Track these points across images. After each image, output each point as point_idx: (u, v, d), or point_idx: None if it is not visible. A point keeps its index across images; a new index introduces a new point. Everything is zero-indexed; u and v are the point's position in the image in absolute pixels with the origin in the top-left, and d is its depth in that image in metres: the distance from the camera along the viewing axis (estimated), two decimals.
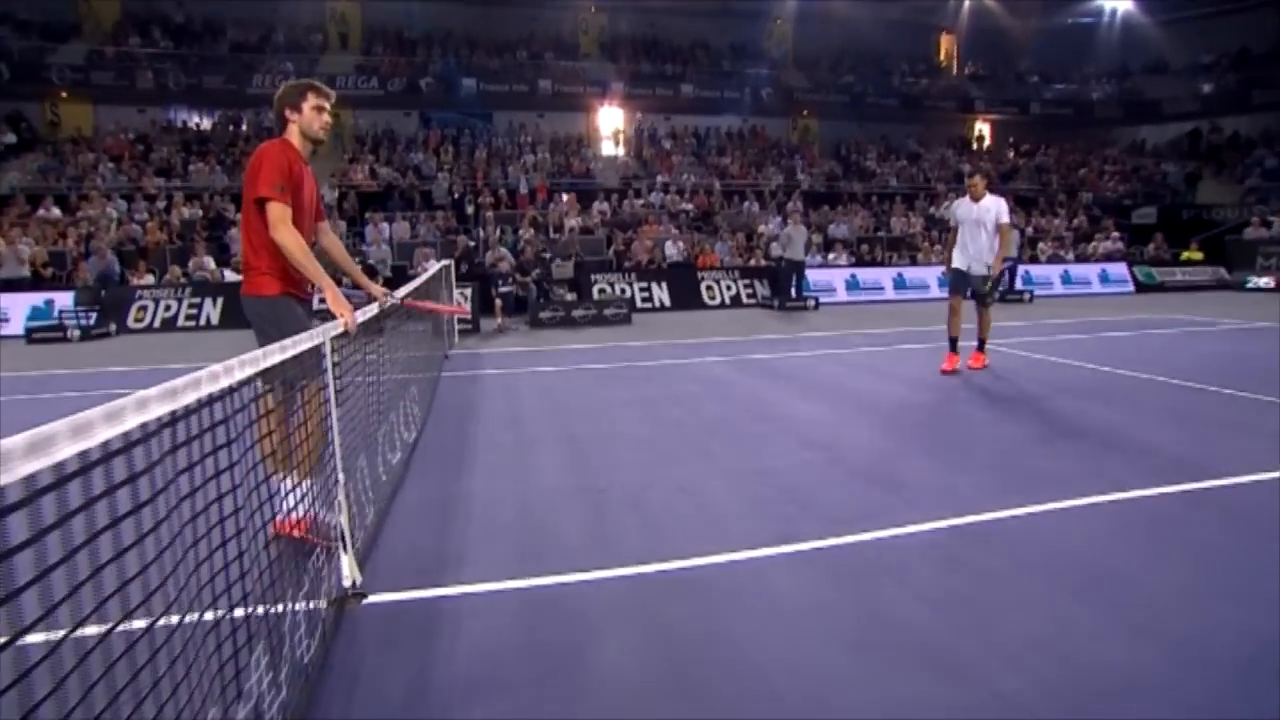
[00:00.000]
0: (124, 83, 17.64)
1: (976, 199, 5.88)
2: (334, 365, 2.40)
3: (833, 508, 3.13)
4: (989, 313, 6.12)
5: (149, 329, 10.61)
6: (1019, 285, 12.67)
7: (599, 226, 13.73)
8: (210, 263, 11.86)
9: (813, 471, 3.62)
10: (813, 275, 12.30)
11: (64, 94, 17.91)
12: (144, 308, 10.77)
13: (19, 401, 5.61)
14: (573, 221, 13.45)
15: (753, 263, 13.03)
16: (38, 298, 10.75)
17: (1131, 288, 14.02)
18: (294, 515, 2.31)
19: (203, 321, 10.79)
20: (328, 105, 2.88)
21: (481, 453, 4.04)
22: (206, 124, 18.59)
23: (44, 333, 9.73)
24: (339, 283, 2.84)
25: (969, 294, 6.05)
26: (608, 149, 19.52)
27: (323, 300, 2.82)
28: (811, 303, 11.54)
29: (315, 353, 2.21)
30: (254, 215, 2.68)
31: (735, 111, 20.35)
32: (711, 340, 8.29)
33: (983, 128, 23.15)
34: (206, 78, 17.41)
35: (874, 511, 3.05)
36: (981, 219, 5.85)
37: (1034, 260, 14.29)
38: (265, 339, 2.67)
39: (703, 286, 12.20)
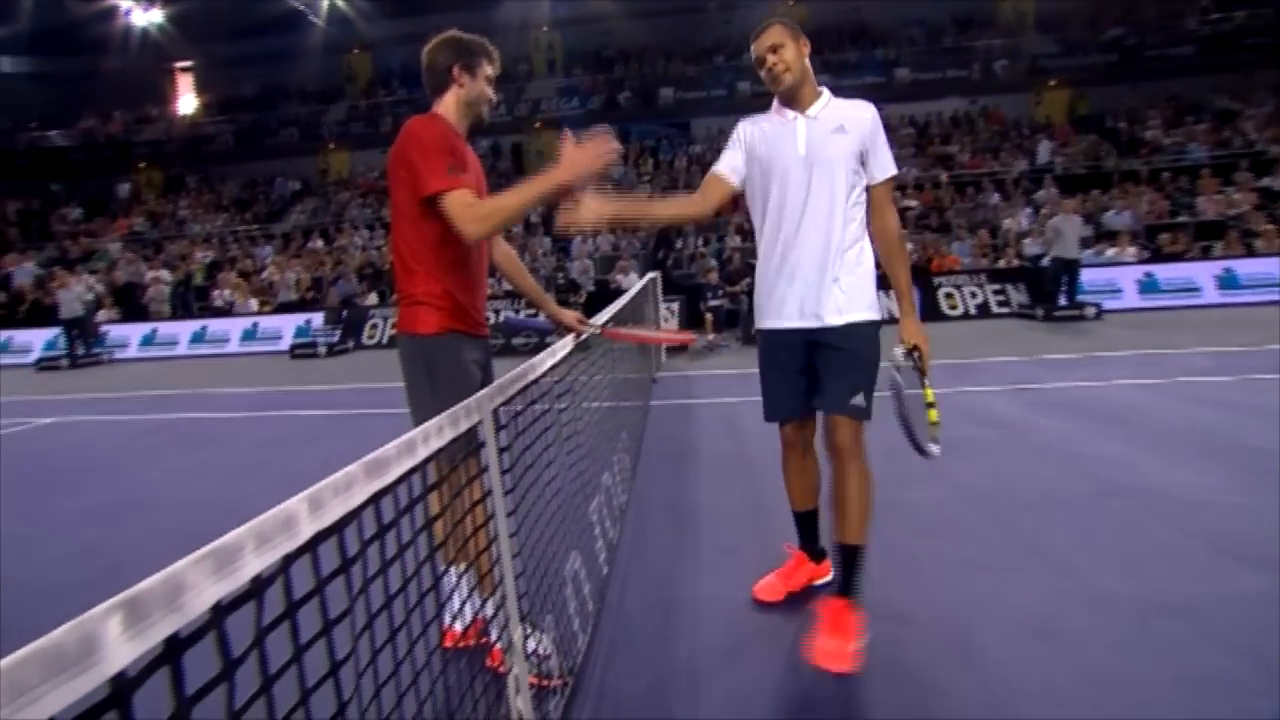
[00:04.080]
0: (372, 130, 20.23)
1: (798, 101, 2.04)
2: (500, 447, 1.51)
3: None
4: (857, 469, 2.02)
5: (379, 345, 11.48)
6: None
7: None
8: None
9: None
10: (1088, 276, 9.65)
11: (331, 145, 21.07)
12: (375, 325, 11.71)
13: (276, 417, 5.87)
14: None
15: (1001, 263, 10.67)
16: (301, 318, 12.23)
17: None
18: (462, 620, 1.71)
19: None
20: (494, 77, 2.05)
21: (709, 528, 3.01)
22: None
23: (301, 349, 10.94)
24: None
25: (813, 405, 2.14)
26: None
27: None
28: (1090, 310, 8.97)
29: (471, 432, 1.36)
30: (410, 224, 1.88)
31: (961, 92, 17.61)
32: (971, 362, 6.52)
33: None
34: None
35: None
36: (817, 160, 2.00)
37: None
38: (414, 390, 1.93)
39: (940, 294, 10.18)
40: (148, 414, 6.57)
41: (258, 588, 0.72)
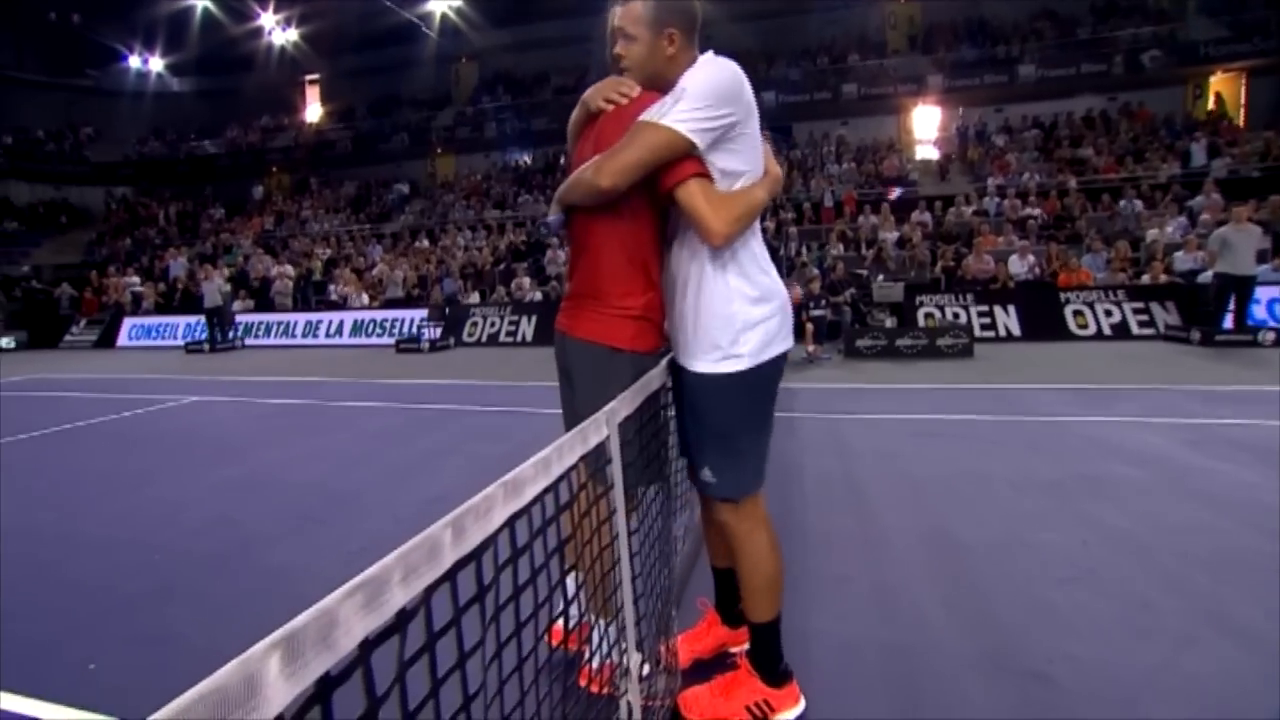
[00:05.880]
0: (476, 134, 21.17)
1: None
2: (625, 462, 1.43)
3: None
4: (742, 549, 1.73)
5: (478, 343, 11.92)
6: None
7: (920, 240, 11.57)
8: (527, 283, 12.97)
9: None
10: (1266, 295, 8.47)
11: (439, 150, 22.22)
12: (475, 324, 12.16)
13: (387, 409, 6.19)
14: (887, 234, 11.57)
15: (1145, 279, 9.60)
16: (406, 314, 12.90)
17: None
18: (572, 625, 1.67)
19: (519, 338, 11.73)
20: None
21: (817, 553, 2.81)
22: (532, 161, 21.36)
23: (406, 344, 11.53)
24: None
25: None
26: (924, 152, 17.00)
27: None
28: (1267, 335, 7.79)
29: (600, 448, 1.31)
30: (647, 218, 1.62)
31: (1097, 88, 16.10)
32: (1111, 388, 5.87)
33: None
34: (534, 120, 19.84)
35: None
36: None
37: None
38: (589, 403, 1.70)
39: (1068, 311, 9.27)
40: (272, 398, 7.11)
41: (401, 621, 0.69)
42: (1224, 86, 15.89)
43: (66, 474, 4.43)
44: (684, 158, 1.50)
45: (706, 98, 1.48)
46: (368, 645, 0.63)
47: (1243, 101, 15.76)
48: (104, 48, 23.31)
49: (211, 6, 21.33)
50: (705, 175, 1.53)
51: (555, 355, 1.80)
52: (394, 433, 5.34)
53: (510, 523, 0.93)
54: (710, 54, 1.63)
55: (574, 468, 1.16)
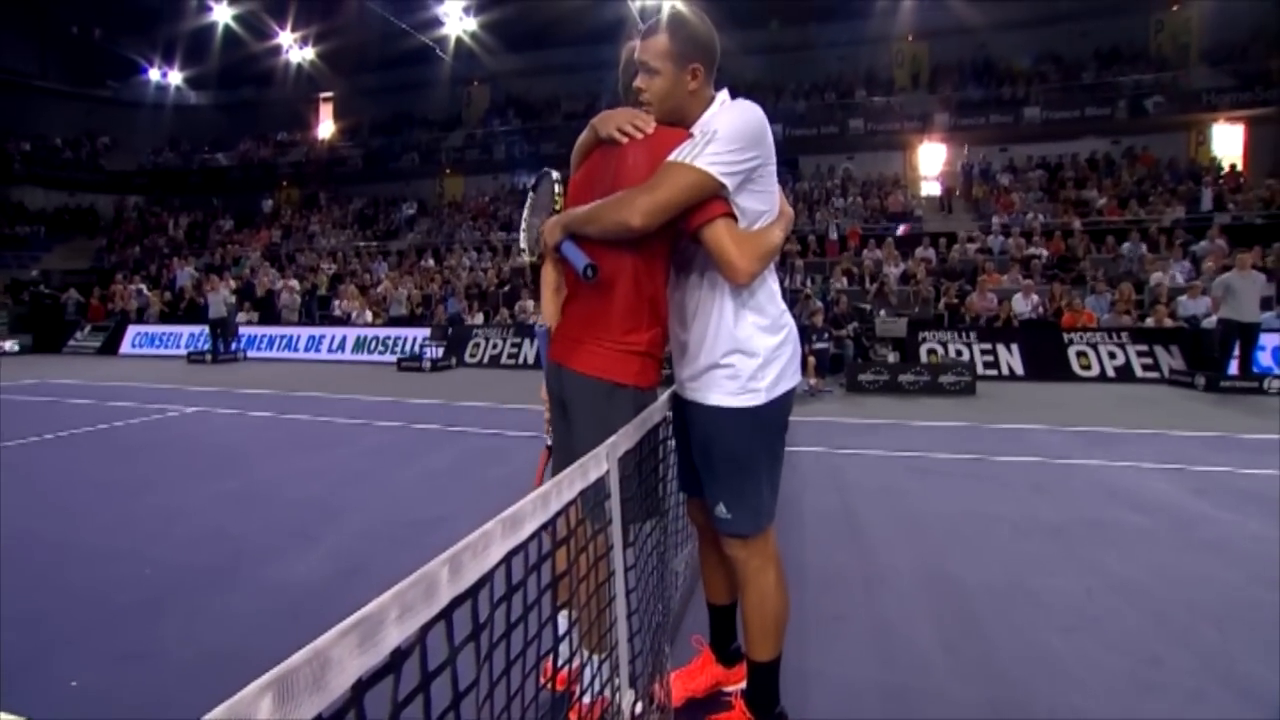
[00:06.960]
0: (485, 156, 21.44)
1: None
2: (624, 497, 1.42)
3: None
4: (752, 584, 1.70)
5: (480, 364, 11.91)
6: None
7: (924, 276, 11.63)
8: (531, 306, 13.02)
9: None
10: (1271, 343, 8.50)
11: (448, 171, 22.49)
12: (477, 344, 12.17)
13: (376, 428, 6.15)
14: (891, 269, 11.64)
15: (1150, 322, 9.61)
16: (409, 333, 12.92)
17: None
18: (562, 662, 1.48)
19: (521, 360, 11.73)
20: None
21: (815, 591, 2.75)
22: None
23: (408, 363, 11.53)
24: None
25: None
26: (929, 189, 17.20)
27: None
28: (1273, 383, 7.78)
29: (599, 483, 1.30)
30: (665, 255, 1.63)
31: (1102, 132, 16.34)
32: (1115, 431, 5.83)
33: None
34: (544, 144, 20.12)
35: None
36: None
37: None
38: (589, 439, 1.68)
39: (1071, 352, 9.27)
40: (272, 412, 7.08)
41: (396, 661, 0.67)
42: (1226, 134, 16.12)
43: (65, 480, 4.40)
44: (711, 198, 1.52)
45: (736, 140, 1.50)
46: (360, 686, 0.61)
47: (1242, 149, 15.95)
48: (125, 60, 23.81)
49: (232, 23, 21.80)
50: (731, 215, 1.55)
51: (547, 385, 1.78)
52: (393, 451, 5.31)
53: (507, 559, 0.92)
54: (725, 92, 1.66)
55: (572, 503, 1.15)
